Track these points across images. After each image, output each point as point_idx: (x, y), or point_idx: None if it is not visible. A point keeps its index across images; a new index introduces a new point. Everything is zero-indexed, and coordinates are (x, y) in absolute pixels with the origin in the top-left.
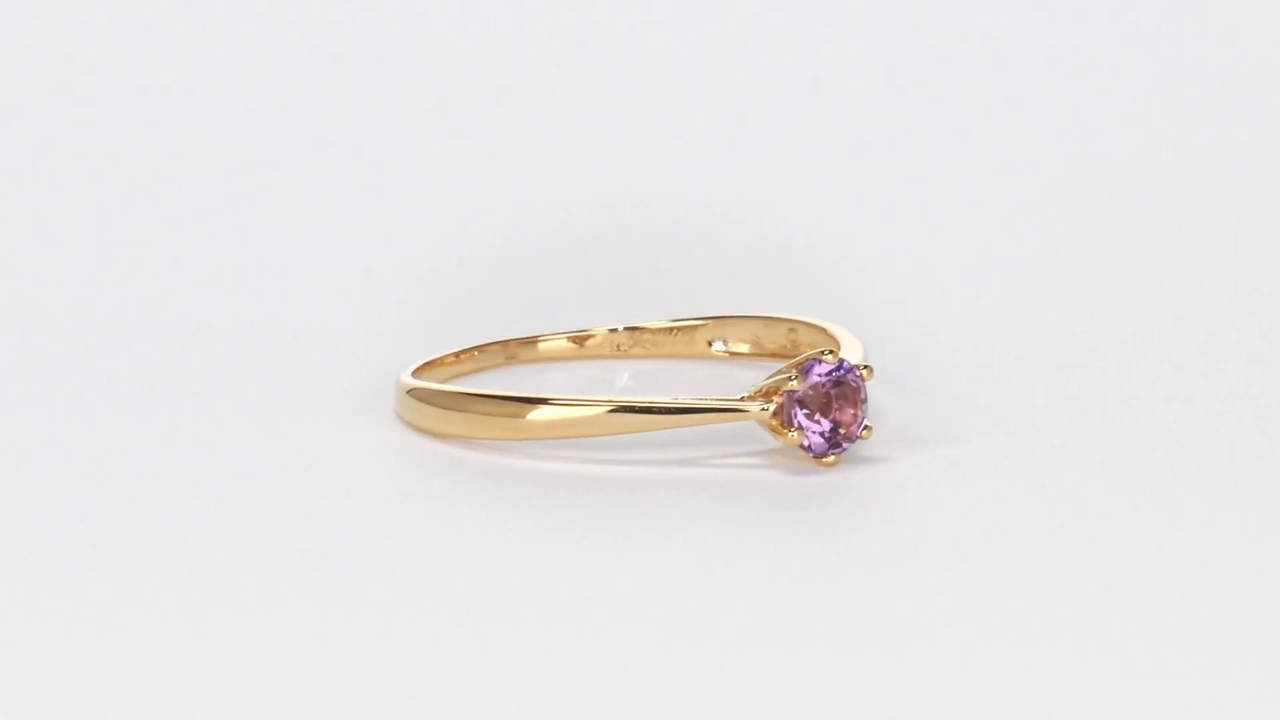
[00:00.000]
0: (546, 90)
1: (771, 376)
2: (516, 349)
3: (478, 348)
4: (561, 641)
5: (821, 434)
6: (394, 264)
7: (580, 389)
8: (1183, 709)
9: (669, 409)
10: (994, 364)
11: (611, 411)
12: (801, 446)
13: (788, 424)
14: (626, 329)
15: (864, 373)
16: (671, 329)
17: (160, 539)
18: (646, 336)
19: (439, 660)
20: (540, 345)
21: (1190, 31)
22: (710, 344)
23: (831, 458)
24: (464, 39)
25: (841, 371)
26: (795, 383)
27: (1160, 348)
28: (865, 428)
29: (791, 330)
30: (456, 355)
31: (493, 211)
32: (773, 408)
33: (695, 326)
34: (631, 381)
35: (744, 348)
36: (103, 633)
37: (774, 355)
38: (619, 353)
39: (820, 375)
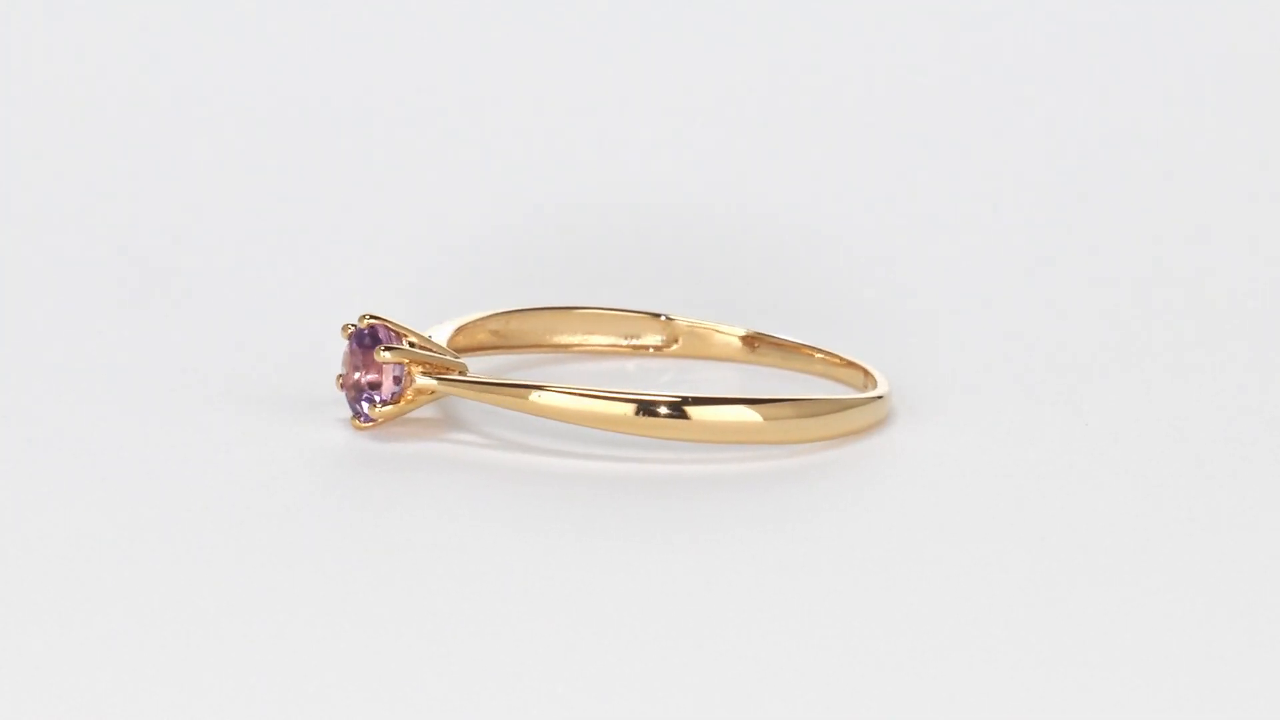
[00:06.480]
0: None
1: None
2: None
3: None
4: (561, 639)
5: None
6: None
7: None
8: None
9: None
10: (994, 368)
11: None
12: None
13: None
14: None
15: (385, 355)
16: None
17: (164, 534)
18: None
19: (434, 662)
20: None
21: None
22: None
23: (358, 422)
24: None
25: (362, 336)
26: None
27: (1163, 348)
28: (381, 403)
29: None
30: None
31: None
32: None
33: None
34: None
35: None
36: (81, 634)
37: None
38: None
39: (354, 336)
